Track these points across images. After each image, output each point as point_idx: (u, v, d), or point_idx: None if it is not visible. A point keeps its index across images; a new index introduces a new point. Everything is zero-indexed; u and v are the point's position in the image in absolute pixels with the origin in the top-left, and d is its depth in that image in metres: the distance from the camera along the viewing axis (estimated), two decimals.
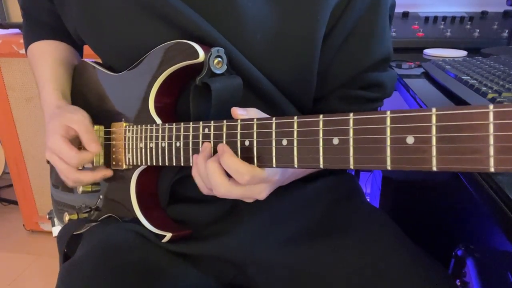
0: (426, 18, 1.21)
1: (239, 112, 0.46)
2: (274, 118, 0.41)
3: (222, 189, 0.45)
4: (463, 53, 1.03)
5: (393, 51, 0.63)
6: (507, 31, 1.12)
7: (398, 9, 0.93)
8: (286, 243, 0.58)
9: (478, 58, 0.85)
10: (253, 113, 0.48)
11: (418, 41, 1.15)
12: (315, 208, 0.62)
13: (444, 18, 1.20)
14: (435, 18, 1.20)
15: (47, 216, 0.81)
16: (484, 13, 1.19)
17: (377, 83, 0.61)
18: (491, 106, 0.27)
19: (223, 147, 0.45)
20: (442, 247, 0.77)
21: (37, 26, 0.74)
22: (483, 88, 0.60)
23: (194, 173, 0.49)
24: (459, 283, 0.74)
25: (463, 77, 0.68)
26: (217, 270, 0.61)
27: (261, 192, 0.47)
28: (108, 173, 0.62)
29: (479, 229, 0.98)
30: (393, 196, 1.03)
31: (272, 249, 0.58)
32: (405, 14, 1.23)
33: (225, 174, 0.45)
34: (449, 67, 0.78)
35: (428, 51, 1.06)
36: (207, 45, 0.51)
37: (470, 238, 1.00)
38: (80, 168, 0.62)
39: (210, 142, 0.47)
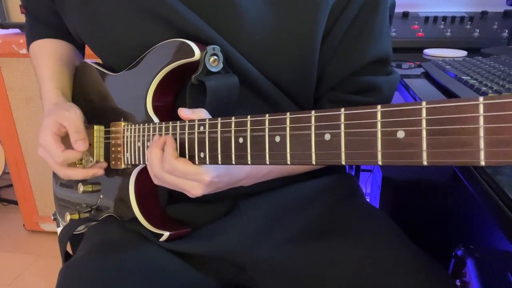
0: (426, 18, 1.21)
1: (184, 113, 0.49)
2: (267, 115, 0.40)
3: (155, 169, 0.50)
4: (463, 53, 1.03)
5: (393, 51, 0.61)
6: (507, 31, 1.11)
7: (398, 9, 0.93)
8: (285, 243, 0.58)
9: (478, 58, 0.85)
10: (200, 113, 0.49)
11: (418, 41, 1.15)
12: (315, 208, 0.62)
13: (444, 18, 1.20)
14: (435, 18, 1.20)
15: (52, 218, 0.82)
16: (484, 13, 1.19)
17: (371, 87, 0.59)
18: (481, 99, 0.27)
19: (168, 138, 0.50)
20: (442, 247, 0.77)
21: (39, 25, 0.74)
22: (483, 88, 0.60)
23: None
24: (459, 283, 0.74)
25: (463, 77, 0.68)
26: (217, 270, 0.61)
27: (194, 189, 0.49)
28: (99, 171, 0.62)
29: (479, 229, 0.98)
30: (393, 196, 1.03)
31: (272, 248, 0.58)
32: (405, 14, 1.22)
33: (161, 160, 0.50)
34: (449, 67, 0.78)
35: (428, 51, 1.06)
36: (204, 44, 0.51)
37: (470, 238, 1.00)
38: (80, 163, 0.62)
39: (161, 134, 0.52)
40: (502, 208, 0.35)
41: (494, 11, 1.20)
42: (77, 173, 0.61)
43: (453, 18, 1.19)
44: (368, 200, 0.71)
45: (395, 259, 0.51)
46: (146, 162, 0.53)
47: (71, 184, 0.72)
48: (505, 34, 1.11)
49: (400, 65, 0.97)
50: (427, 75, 0.82)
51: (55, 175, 0.78)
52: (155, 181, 0.52)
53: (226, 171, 0.50)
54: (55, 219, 0.80)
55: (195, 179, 0.49)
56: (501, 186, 0.36)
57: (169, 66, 0.53)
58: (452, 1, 1.32)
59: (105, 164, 0.63)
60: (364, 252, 0.53)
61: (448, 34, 1.14)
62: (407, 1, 1.31)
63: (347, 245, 0.55)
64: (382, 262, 0.51)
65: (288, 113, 0.38)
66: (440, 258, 0.54)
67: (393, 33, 1.15)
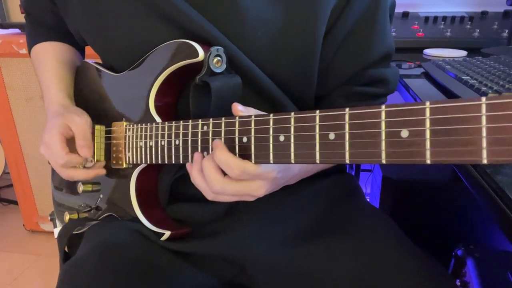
0: (426, 18, 1.21)
1: (239, 108, 0.47)
2: (271, 115, 0.41)
3: (217, 185, 0.45)
4: (463, 53, 1.03)
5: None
6: (507, 31, 1.12)
7: (398, 9, 0.93)
8: (285, 243, 0.58)
9: (478, 58, 0.85)
10: (252, 111, 0.48)
11: (418, 41, 1.15)
12: (315, 208, 0.62)
13: (444, 18, 1.20)
14: (435, 18, 1.20)
15: (49, 218, 0.81)
16: (484, 13, 1.19)
17: (380, 79, 0.61)
18: (483, 99, 0.27)
19: (216, 143, 0.45)
20: (442, 247, 0.77)
21: (40, 27, 0.74)
22: (483, 88, 0.60)
23: (195, 172, 0.48)
24: (459, 283, 0.74)
25: (463, 77, 0.68)
26: (217, 269, 0.61)
27: (259, 189, 0.46)
28: (101, 172, 0.63)
29: (479, 229, 0.98)
30: (393, 196, 1.03)
31: (272, 248, 0.58)
32: (405, 14, 1.23)
33: (220, 171, 0.45)
34: (449, 67, 0.78)
35: (428, 51, 1.06)
36: (207, 44, 0.52)
37: (470, 238, 1.00)
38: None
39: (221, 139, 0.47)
40: (502, 208, 0.35)
41: (494, 11, 1.20)
42: (79, 174, 0.62)
43: (453, 18, 1.19)
44: (368, 200, 0.71)
45: (394, 259, 0.51)
46: (195, 183, 0.49)
47: (70, 184, 0.72)
48: (505, 34, 1.11)
49: (400, 65, 0.97)
50: (427, 75, 0.82)
51: (53, 175, 0.78)
52: (212, 198, 0.49)
53: (284, 166, 0.49)
54: (51, 220, 0.80)
55: (262, 178, 0.46)
56: (501, 186, 0.36)
57: (172, 67, 0.53)
58: (452, 1, 1.32)
59: (104, 163, 0.63)
60: (364, 252, 0.53)
61: (448, 34, 1.14)
62: (407, 1, 1.31)
63: (347, 245, 0.55)
64: (382, 262, 0.51)
65: (292, 113, 0.39)
66: (440, 258, 0.54)
67: (393, 33, 1.16)
